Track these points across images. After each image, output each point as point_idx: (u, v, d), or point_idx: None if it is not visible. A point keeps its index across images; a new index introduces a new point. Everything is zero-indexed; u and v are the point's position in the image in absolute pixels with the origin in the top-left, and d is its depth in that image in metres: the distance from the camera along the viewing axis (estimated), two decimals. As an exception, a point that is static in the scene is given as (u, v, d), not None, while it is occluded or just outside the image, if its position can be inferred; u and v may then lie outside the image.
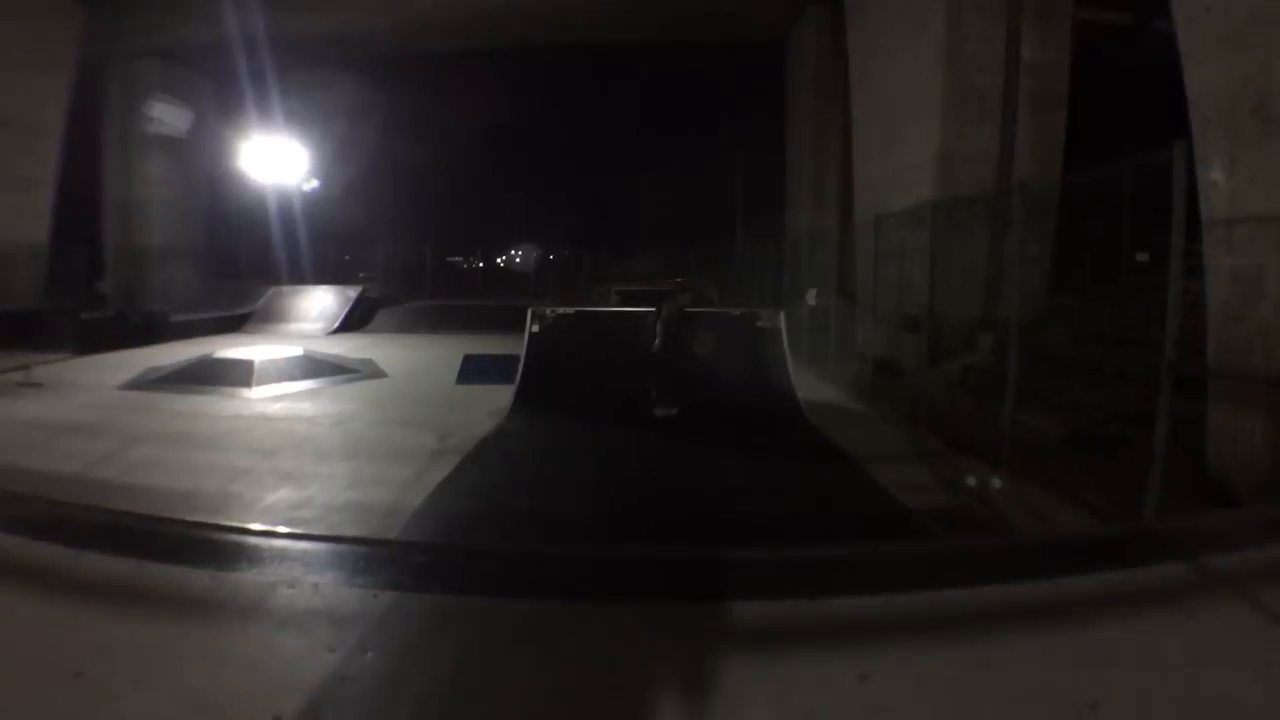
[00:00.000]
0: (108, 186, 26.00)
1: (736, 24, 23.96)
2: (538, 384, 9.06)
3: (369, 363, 13.41)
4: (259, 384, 11.23)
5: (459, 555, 2.64)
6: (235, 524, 2.66)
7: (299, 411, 9.80)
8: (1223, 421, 6.49)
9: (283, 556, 1.83)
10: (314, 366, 12.49)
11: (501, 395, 9.43)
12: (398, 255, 32.94)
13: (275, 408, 10.08)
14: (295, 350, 13.23)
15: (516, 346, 9.92)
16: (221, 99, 27.07)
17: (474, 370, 11.82)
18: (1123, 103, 15.59)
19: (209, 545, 1.94)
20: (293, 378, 11.76)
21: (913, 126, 13.18)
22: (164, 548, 1.88)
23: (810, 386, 9.32)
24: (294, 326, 20.31)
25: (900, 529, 5.47)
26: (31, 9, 19.19)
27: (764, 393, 8.68)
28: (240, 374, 11.54)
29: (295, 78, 25.98)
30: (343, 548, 1.93)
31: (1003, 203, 10.75)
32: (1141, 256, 8.54)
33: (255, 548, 1.92)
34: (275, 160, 25.08)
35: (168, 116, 24.47)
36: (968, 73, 12.36)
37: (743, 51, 26.81)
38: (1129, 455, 6.54)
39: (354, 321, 20.30)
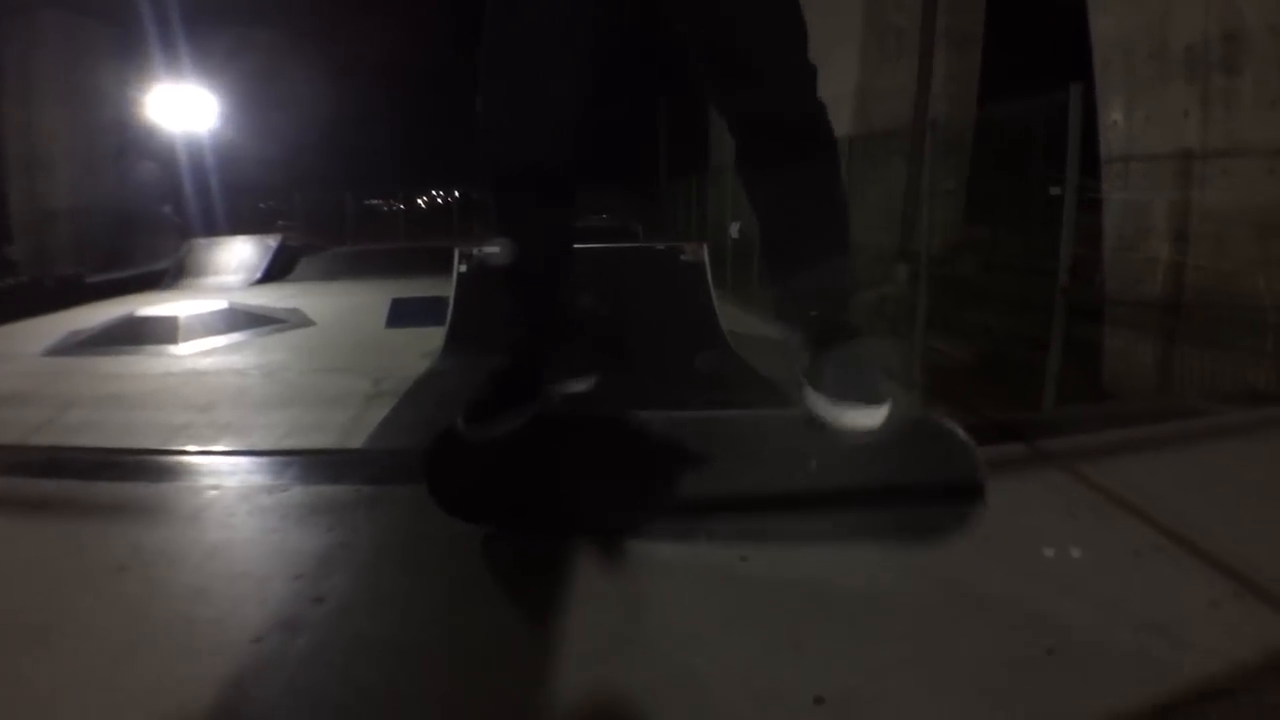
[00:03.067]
0: (9, 146, 24.81)
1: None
2: (468, 323, 9.10)
3: (295, 312, 13.28)
4: (185, 340, 11.09)
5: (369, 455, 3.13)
6: (222, 448, 2.86)
7: (229, 365, 9.76)
8: (1117, 345, 6.98)
9: (268, 468, 2.08)
10: (240, 319, 12.34)
11: (432, 337, 9.50)
12: (316, 202, 32.23)
13: (205, 362, 10.01)
14: (219, 303, 13.01)
15: (443, 288, 9.94)
16: (125, 48, 25.89)
17: (403, 314, 11.80)
18: (1034, 42, 16.06)
19: (202, 466, 2.15)
20: (219, 331, 11.62)
21: (830, 62, 13.36)
22: (163, 471, 2.10)
23: (734, 317, 9.59)
24: (215, 280, 19.80)
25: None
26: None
27: (688, 326, 8.86)
28: (165, 331, 11.37)
29: (200, 22, 25.03)
30: (319, 456, 2.17)
31: (918, 138, 11.07)
32: (1055, 190, 8.92)
33: (240, 464, 2.14)
34: (184, 109, 24.29)
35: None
36: (885, 10, 12.62)
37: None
38: (1032, 377, 6.99)
39: (276, 271, 19.84)
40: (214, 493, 1.89)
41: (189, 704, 1.11)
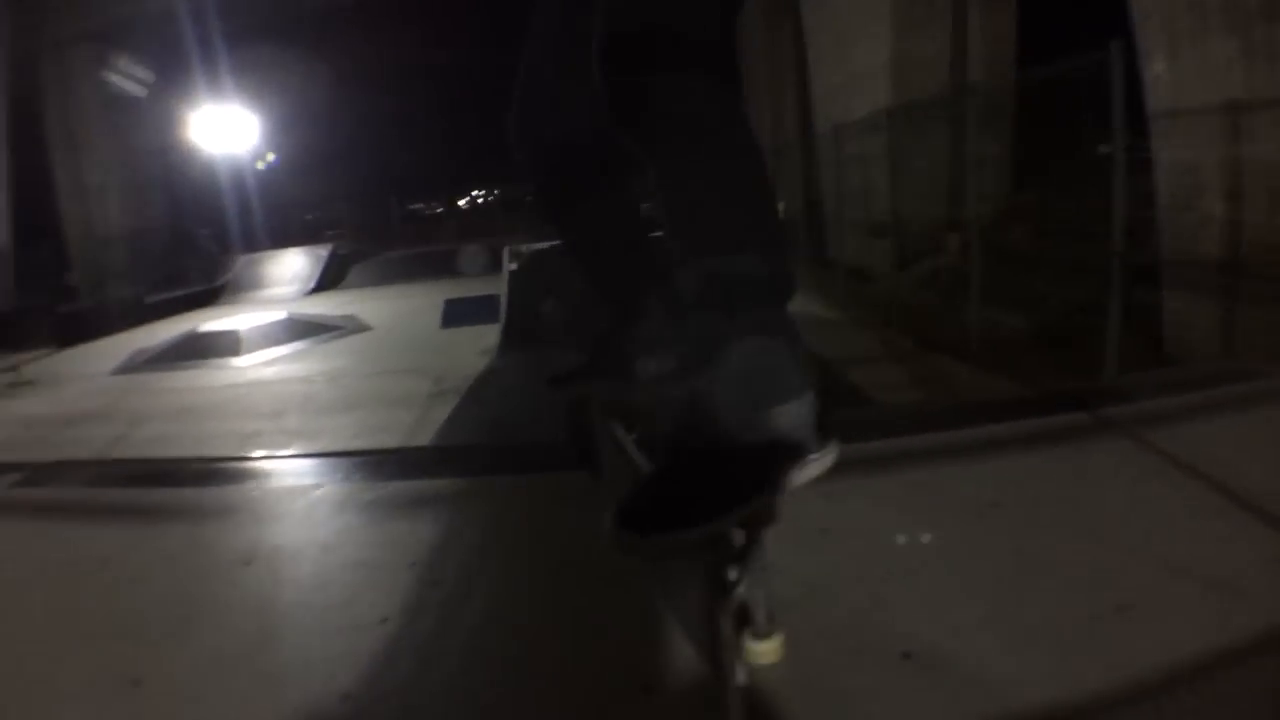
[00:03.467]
0: (61, 179, 25.52)
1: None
2: (522, 319, 9.19)
3: (351, 318, 13.56)
4: (247, 351, 11.41)
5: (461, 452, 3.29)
6: (286, 452, 3.07)
7: (293, 373, 10.02)
8: (1176, 307, 6.83)
9: (364, 468, 2.24)
10: (298, 328, 12.65)
11: (487, 335, 9.63)
12: (362, 209, 32.70)
13: (268, 372, 10.30)
14: (278, 314, 13.35)
15: (494, 287, 10.06)
16: (163, 75, 26.48)
17: (457, 313, 11.94)
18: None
19: (300, 469, 2.32)
20: (279, 341, 11.93)
21: (864, 33, 13.22)
22: (265, 474, 2.29)
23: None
24: (270, 292, 20.26)
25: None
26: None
27: None
28: (227, 344, 11.70)
29: (235, 42, 25.42)
30: (410, 454, 2.31)
31: (958, 105, 10.94)
32: (1104, 149, 8.72)
33: (338, 464, 2.29)
34: (227, 130, 24.76)
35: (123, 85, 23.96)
36: None
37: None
38: (1091, 344, 6.90)
39: (329, 280, 20.23)
40: (319, 491, 2.03)
41: (329, 681, 1.22)
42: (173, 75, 25.42)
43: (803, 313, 9.57)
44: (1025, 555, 1.49)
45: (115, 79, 24.56)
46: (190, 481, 2.25)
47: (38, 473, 2.64)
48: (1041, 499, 1.67)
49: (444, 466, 2.25)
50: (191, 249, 26.12)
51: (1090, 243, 7.53)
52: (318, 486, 2.07)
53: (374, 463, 2.21)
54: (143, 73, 26.00)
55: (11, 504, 2.32)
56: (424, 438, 6.43)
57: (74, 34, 23.59)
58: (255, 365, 10.84)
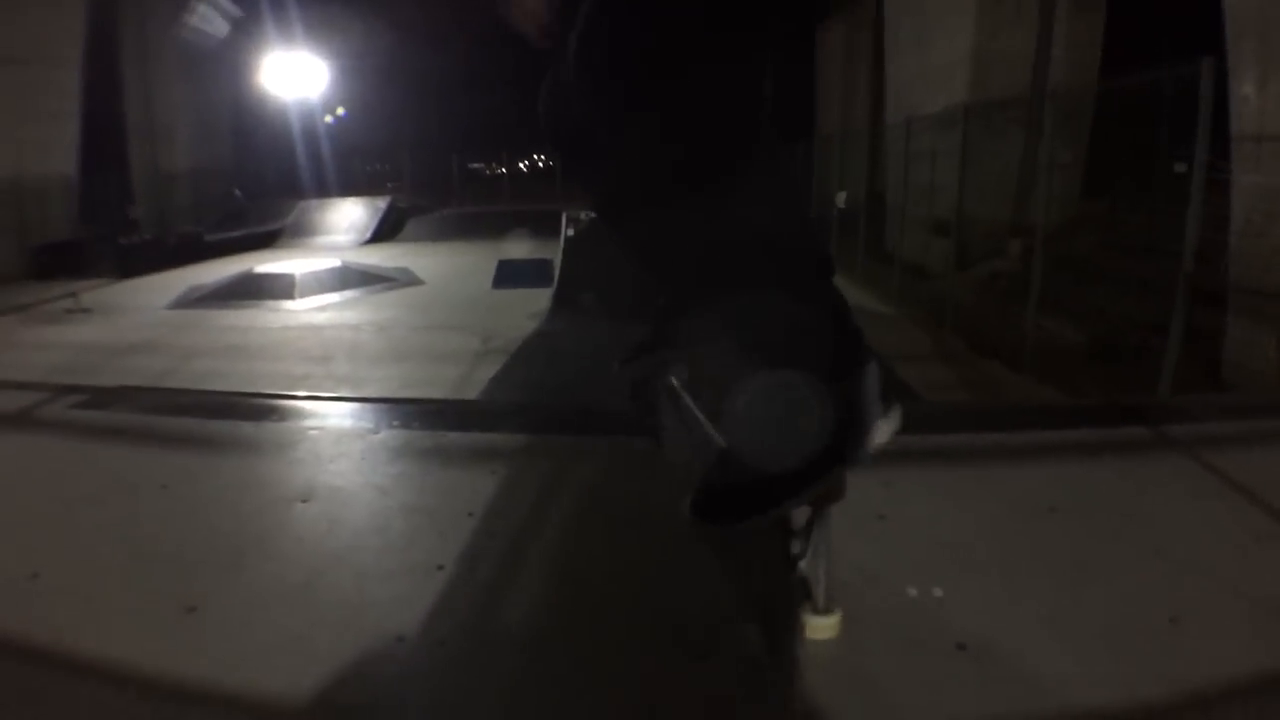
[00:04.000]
0: (131, 113, 25.95)
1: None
2: (574, 286, 9.18)
3: (405, 271, 13.69)
4: (301, 296, 11.60)
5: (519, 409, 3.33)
6: (344, 394, 3.12)
7: (344, 320, 10.15)
8: (1239, 335, 6.64)
9: (424, 416, 2.28)
10: (352, 276, 12.81)
11: (537, 298, 9.67)
12: (423, 165, 32.89)
13: (320, 317, 10.45)
14: (333, 261, 13.54)
15: (547, 250, 10.07)
16: (238, 20, 26.78)
17: (509, 275, 12.00)
18: (1163, 6, 15.22)
19: (358, 412, 2.35)
20: (333, 288, 12.10)
21: (945, 25, 12.95)
22: (320, 414, 2.34)
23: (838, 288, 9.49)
24: (326, 239, 20.53)
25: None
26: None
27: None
28: (282, 287, 11.90)
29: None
30: (471, 406, 2.33)
31: (1037, 107, 10.71)
32: (1179, 167, 8.48)
33: (397, 410, 2.32)
34: (296, 75, 24.98)
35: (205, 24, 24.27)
36: None
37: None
38: (1147, 364, 6.76)
39: (385, 232, 20.47)
40: (376, 436, 2.06)
41: (383, 622, 1.24)
42: (247, 21, 25.70)
43: (855, 306, 9.54)
44: (1081, 561, 1.48)
45: (191, 21, 24.90)
46: (248, 416, 2.28)
47: (98, 395, 2.70)
48: (1099, 508, 1.66)
49: (503, 421, 2.26)
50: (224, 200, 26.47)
51: (1157, 259, 7.36)
52: (375, 431, 2.10)
53: (432, 412, 2.24)
54: (218, 16, 26.34)
55: (73, 424, 2.39)
56: (470, 394, 6.48)
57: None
58: (307, 310, 11.01)
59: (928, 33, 13.63)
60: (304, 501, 1.70)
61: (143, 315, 11.45)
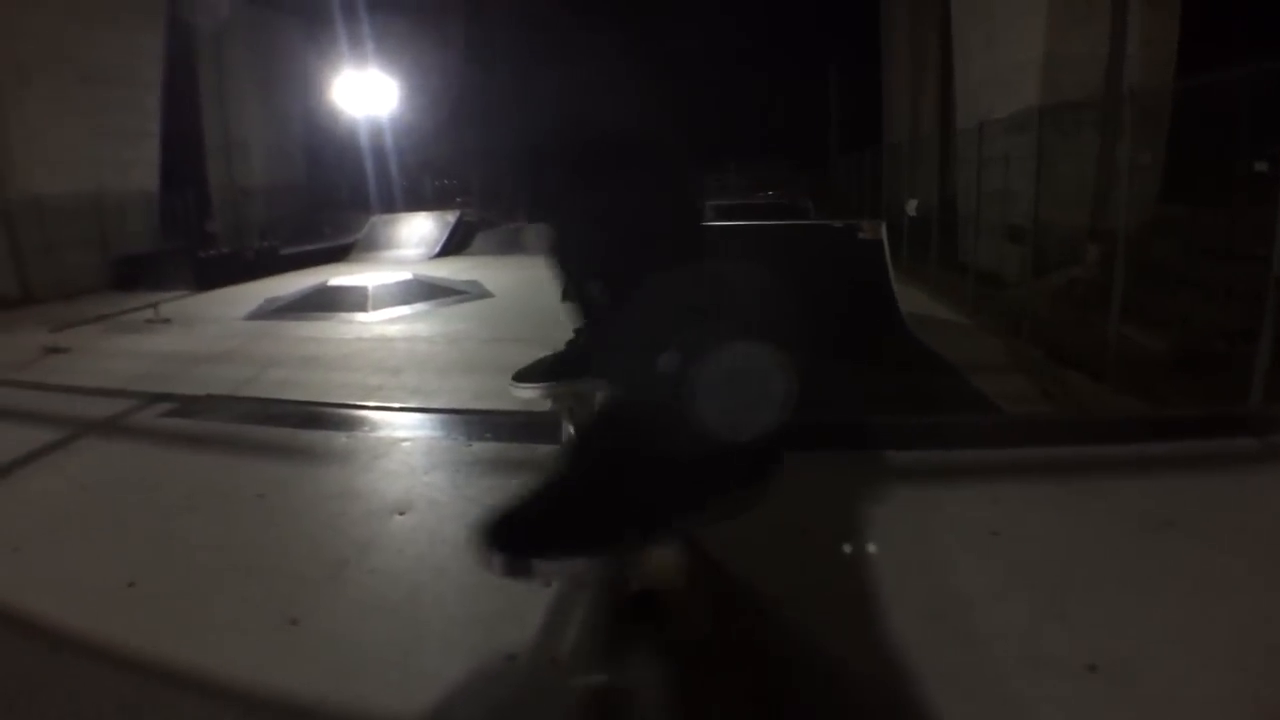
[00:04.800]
0: (208, 131, 26.91)
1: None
2: None
3: (474, 284, 13.83)
4: (374, 308, 11.81)
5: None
6: (413, 405, 3.13)
7: (416, 332, 10.29)
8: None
9: (470, 425, 2.27)
10: (424, 289, 13.01)
11: (609, 310, 9.64)
12: (490, 179, 33.22)
13: (393, 329, 10.61)
14: (405, 274, 13.76)
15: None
16: (310, 36, 27.52)
17: (582, 285, 11.99)
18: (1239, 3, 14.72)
19: (454, 423, 2.35)
20: (405, 301, 12.30)
21: (1016, 26, 12.71)
22: (380, 425, 2.35)
23: (910, 299, 9.29)
24: (397, 253, 20.88)
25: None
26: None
27: (865, 306, 8.57)
28: (356, 299, 12.14)
29: (379, 9, 26.17)
30: (511, 418, 2.31)
31: (1113, 108, 10.44)
32: (1260, 166, 8.20)
33: (495, 422, 2.31)
34: (366, 92, 25.44)
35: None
36: None
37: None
38: (1233, 372, 6.52)
39: (454, 245, 20.71)
40: (470, 448, 2.06)
41: (491, 638, 1.21)
42: (319, 41, 26.38)
43: (929, 316, 9.34)
44: (1205, 576, 1.40)
45: (265, 41, 25.70)
46: (339, 426, 2.30)
47: (187, 404, 2.75)
48: (1217, 521, 1.58)
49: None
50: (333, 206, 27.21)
51: (1240, 263, 7.10)
52: (467, 443, 2.10)
53: (521, 424, 2.22)
54: (291, 37, 27.13)
55: (163, 431, 2.43)
56: (542, 406, 6.44)
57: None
58: (380, 322, 11.20)
59: (997, 35, 13.38)
60: (401, 514, 1.70)
61: (221, 326, 11.77)
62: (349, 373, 8.33)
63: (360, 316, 11.56)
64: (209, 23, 24.49)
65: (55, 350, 10.59)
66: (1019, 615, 1.27)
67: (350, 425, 2.31)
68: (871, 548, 1.45)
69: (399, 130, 26.85)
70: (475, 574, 1.39)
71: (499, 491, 1.77)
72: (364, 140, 26.32)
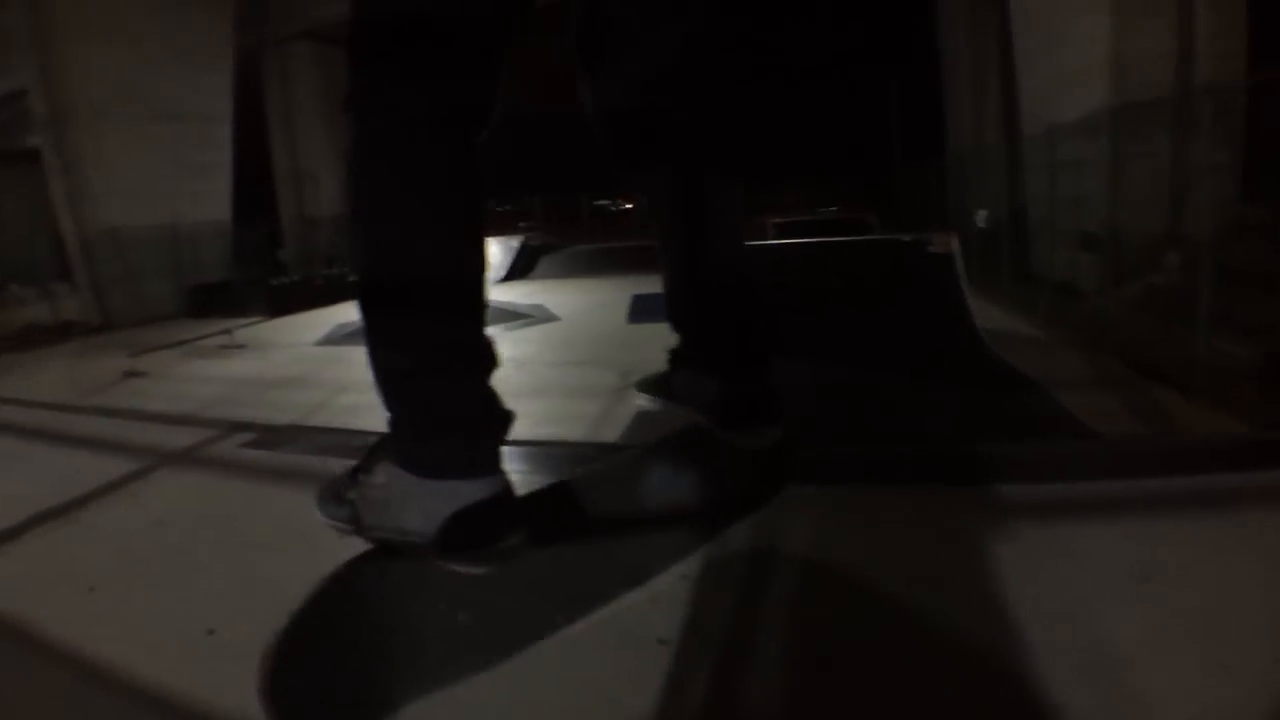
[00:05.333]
0: (277, 164, 27.77)
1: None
2: None
3: (539, 307, 13.84)
4: (442, 333, 11.88)
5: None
6: (522, 438, 3.04)
7: (483, 354, 10.30)
8: None
9: (561, 459, 2.19)
10: (490, 313, 12.99)
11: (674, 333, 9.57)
12: (552, 202, 33.70)
13: (459, 354, 10.64)
14: (471, 300, 13.82)
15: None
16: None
17: (645, 309, 11.88)
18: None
19: (533, 455, 2.27)
20: (472, 324, 12.35)
21: (1079, 26, 12.35)
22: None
23: (983, 312, 9.02)
24: (464, 278, 21.07)
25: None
26: (192, 10, 20.88)
27: (939, 322, 8.33)
28: (424, 325, 12.21)
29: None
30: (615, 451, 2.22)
31: (1185, 107, 10.11)
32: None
33: (541, 454, 2.23)
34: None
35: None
36: None
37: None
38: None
39: (519, 270, 20.75)
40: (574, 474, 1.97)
41: (614, 706, 1.13)
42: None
43: (1004, 330, 9.05)
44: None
45: (329, 75, 26.38)
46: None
47: (266, 434, 2.71)
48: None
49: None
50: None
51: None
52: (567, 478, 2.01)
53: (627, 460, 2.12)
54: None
55: (243, 464, 2.36)
56: (611, 431, 6.42)
57: (295, 32, 25.65)
58: (448, 347, 11.25)
59: (1059, 36, 13.03)
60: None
61: (293, 351, 12.01)
62: (420, 398, 8.36)
63: (429, 342, 11.63)
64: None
65: (134, 374, 10.91)
66: (1180, 668, 1.15)
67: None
68: (1010, 597, 1.34)
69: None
70: (583, 628, 1.31)
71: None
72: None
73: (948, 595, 1.33)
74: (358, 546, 1.73)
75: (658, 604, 1.34)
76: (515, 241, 22.50)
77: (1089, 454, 2.25)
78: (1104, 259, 10.11)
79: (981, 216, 13.85)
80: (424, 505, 1.26)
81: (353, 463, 1.87)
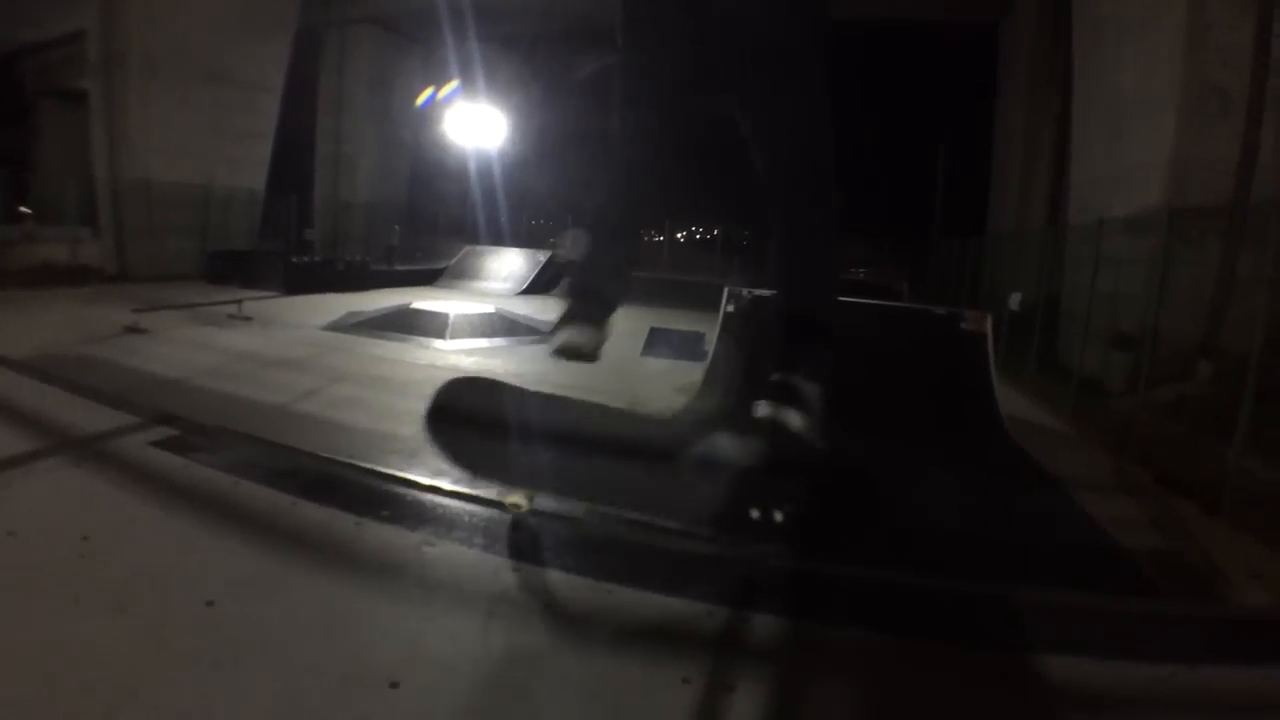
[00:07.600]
0: (319, 143, 27.90)
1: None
2: (729, 366, 8.65)
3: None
4: (452, 337, 11.75)
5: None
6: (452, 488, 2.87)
7: (491, 367, 10.04)
8: None
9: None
10: (505, 324, 12.91)
11: (687, 371, 9.34)
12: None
13: (467, 361, 10.44)
14: (488, 307, 13.71)
15: (700, 323, 9.70)
16: (426, 64, 28.28)
17: (660, 343, 11.63)
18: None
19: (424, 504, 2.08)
20: (484, 334, 12.22)
21: (1142, 124, 12.11)
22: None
23: (1006, 398, 8.70)
24: (483, 285, 21.04)
25: (1127, 574, 5.03)
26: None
27: (961, 403, 7.94)
28: (435, 325, 12.09)
29: (496, 45, 26.59)
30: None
31: (1241, 218, 9.85)
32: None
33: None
34: (475, 126, 25.79)
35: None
36: (1209, 67, 11.18)
37: (952, 31, 25.61)
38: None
39: (540, 284, 20.70)
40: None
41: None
42: (435, 67, 27.06)
43: (1025, 419, 8.74)
44: None
45: (385, 63, 26.50)
46: (353, 502, 2.00)
47: (190, 433, 2.54)
48: None
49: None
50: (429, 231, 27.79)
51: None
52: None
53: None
54: (410, 63, 27.91)
55: (145, 468, 2.26)
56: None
57: (360, 16, 25.79)
58: (455, 351, 11.10)
59: (1121, 131, 12.82)
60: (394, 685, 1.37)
61: (299, 332, 11.87)
62: (415, 400, 8.02)
63: (437, 343, 11.49)
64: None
65: (134, 330, 10.75)
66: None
67: (370, 502, 1.99)
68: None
69: (503, 165, 27.19)
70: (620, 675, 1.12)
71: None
72: (466, 171, 26.73)
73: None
74: (219, 620, 1.48)
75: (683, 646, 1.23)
76: (542, 255, 22.47)
77: (1155, 620, 1.96)
78: (1137, 360, 9.80)
79: (1015, 299, 13.49)
80: None
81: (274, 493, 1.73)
